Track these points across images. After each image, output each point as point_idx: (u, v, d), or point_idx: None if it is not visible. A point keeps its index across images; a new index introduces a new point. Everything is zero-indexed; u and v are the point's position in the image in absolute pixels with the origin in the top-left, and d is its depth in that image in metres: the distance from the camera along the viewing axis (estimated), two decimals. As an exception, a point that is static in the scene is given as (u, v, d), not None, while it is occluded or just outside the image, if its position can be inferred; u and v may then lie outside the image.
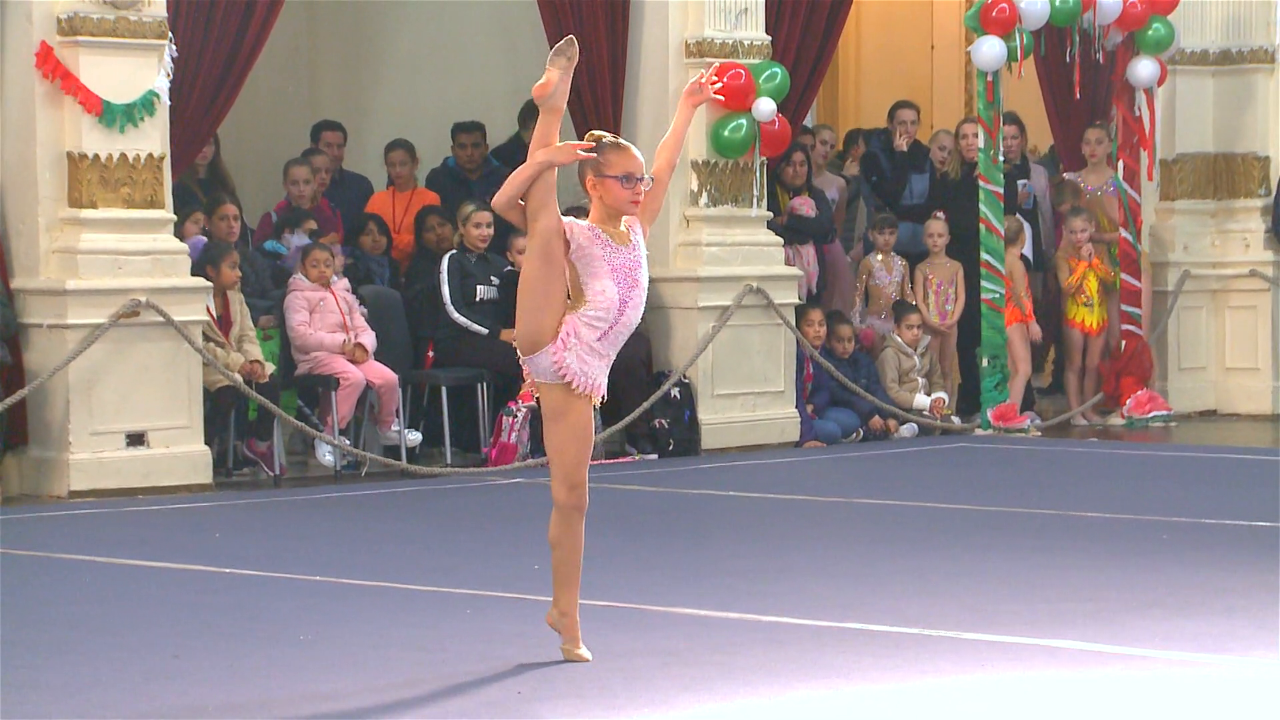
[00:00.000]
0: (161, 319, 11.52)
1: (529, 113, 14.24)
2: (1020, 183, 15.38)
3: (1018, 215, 15.13)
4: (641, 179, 6.94)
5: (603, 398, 7.02)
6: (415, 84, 15.16)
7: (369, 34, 15.23)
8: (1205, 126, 16.08)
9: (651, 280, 13.88)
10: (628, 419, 13.07)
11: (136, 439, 11.56)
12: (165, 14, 11.67)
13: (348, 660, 6.98)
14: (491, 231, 13.08)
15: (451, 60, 15.24)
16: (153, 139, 11.63)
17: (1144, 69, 14.99)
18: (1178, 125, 16.00)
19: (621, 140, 7.05)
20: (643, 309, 7.10)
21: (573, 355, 6.87)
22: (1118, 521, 10.18)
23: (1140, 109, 15.08)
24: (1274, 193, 16.01)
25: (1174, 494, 11.48)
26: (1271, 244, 16.03)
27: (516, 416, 12.73)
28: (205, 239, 12.42)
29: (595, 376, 6.94)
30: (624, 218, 6.97)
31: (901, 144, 15.69)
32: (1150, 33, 14.96)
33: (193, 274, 11.87)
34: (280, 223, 13.25)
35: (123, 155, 11.54)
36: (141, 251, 11.62)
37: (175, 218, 11.89)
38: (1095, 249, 15.10)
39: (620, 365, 13.34)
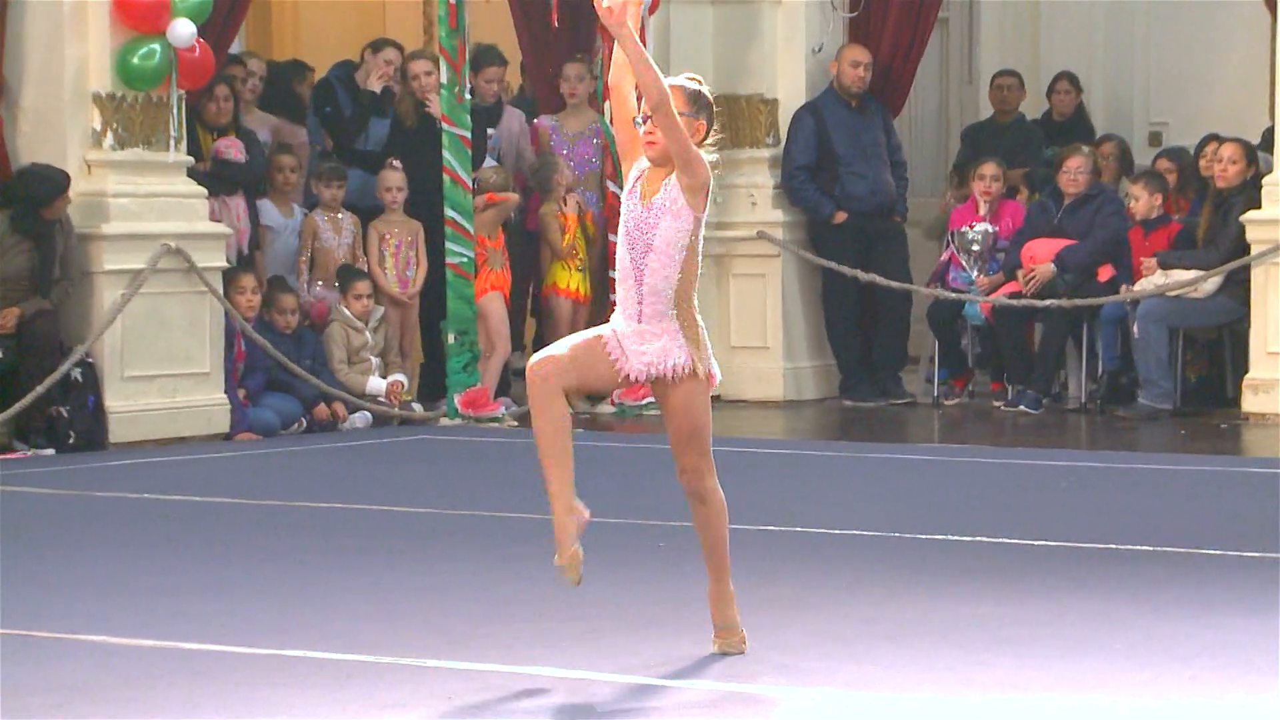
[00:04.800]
0: None
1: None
2: (489, 131, 15.62)
3: (498, 164, 15.41)
4: (643, 120, 7.37)
5: (631, 377, 7.37)
6: None
7: None
8: (705, 63, 16.23)
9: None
10: (16, 407, 13.16)
11: None
12: None
13: None
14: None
15: None
16: None
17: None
18: (673, 60, 16.05)
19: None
20: (675, 273, 7.34)
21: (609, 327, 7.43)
22: (607, 526, 10.29)
23: (632, 40, 15.46)
24: (783, 141, 16.36)
25: (665, 490, 11.57)
26: (781, 202, 16.42)
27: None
28: None
29: (627, 347, 7.34)
30: (670, 169, 7.35)
31: (374, 84, 15.70)
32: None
33: None
34: None
35: None
36: None
37: None
38: (583, 199, 15.28)
39: (23, 344, 13.27)
